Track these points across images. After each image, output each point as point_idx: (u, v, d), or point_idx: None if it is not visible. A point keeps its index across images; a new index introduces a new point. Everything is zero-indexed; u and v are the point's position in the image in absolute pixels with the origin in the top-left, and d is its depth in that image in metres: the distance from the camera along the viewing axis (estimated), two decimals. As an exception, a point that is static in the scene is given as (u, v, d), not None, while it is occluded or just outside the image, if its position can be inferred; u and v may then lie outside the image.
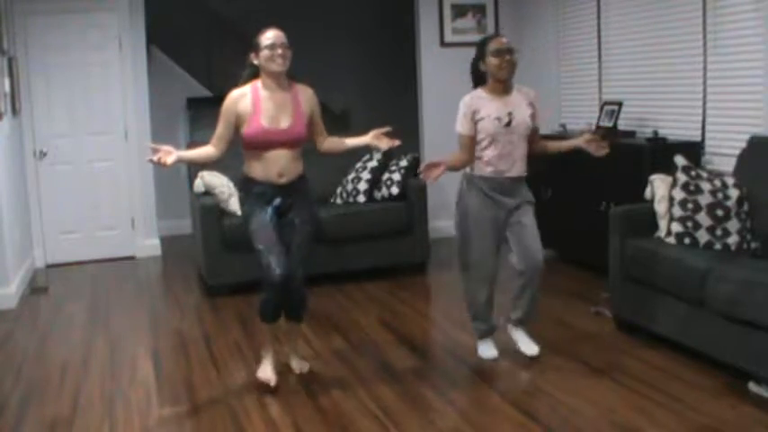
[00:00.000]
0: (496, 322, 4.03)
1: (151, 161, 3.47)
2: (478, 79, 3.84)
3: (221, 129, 3.61)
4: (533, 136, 3.85)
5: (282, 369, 3.90)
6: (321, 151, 3.84)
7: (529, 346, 3.99)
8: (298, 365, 3.95)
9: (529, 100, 3.82)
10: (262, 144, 3.55)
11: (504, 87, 3.77)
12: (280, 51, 3.51)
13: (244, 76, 3.65)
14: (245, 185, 3.68)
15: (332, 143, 3.84)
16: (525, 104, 3.79)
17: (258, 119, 3.53)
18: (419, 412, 3.42)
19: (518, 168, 3.80)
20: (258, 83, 3.60)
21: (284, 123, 3.56)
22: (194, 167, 5.89)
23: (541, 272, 3.85)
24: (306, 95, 3.69)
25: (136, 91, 6.86)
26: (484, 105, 3.75)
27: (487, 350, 4.00)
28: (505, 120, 3.72)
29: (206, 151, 3.67)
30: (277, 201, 3.60)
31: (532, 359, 3.95)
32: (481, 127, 3.74)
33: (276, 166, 3.58)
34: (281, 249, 3.56)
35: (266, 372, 3.73)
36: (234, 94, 3.60)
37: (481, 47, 3.78)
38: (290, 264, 3.62)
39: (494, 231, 3.82)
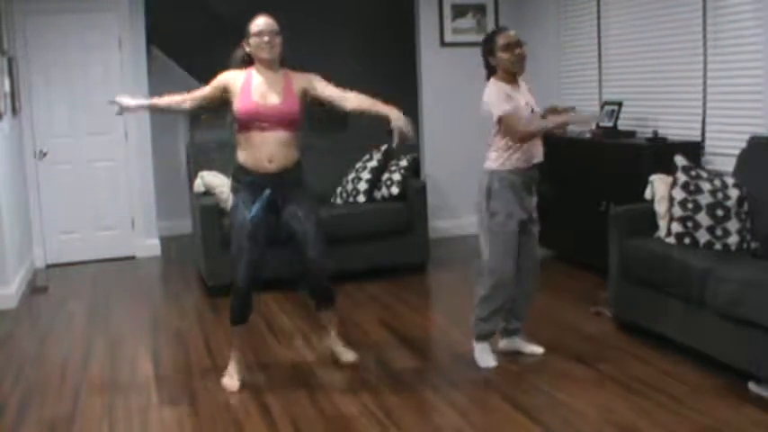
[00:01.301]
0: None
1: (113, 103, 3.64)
2: (491, 71, 3.82)
3: (206, 89, 3.67)
4: None
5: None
6: (348, 110, 3.68)
7: (533, 348, 4.03)
8: (344, 355, 3.98)
9: (529, 87, 3.91)
10: (254, 121, 3.54)
11: (514, 79, 3.79)
12: (266, 39, 3.55)
13: (234, 60, 3.68)
14: (237, 174, 3.68)
15: (360, 100, 3.65)
16: (529, 92, 3.87)
17: (249, 95, 3.56)
18: (419, 412, 3.42)
19: (542, 152, 3.84)
20: (252, 69, 3.66)
21: (274, 100, 3.56)
22: (194, 166, 5.90)
23: (538, 282, 3.97)
24: (298, 76, 3.69)
25: (136, 91, 6.84)
26: (511, 92, 3.72)
27: (486, 359, 3.91)
28: (529, 106, 3.77)
29: (178, 99, 3.71)
30: (266, 193, 3.57)
31: (534, 358, 3.96)
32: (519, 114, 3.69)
33: (266, 150, 3.56)
34: (250, 258, 3.58)
35: (230, 378, 3.75)
36: (230, 71, 3.67)
37: (488, 42, 3.77)
38: (312, 255, 3.68)
39: (517, 231, 3.78)
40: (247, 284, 3.63)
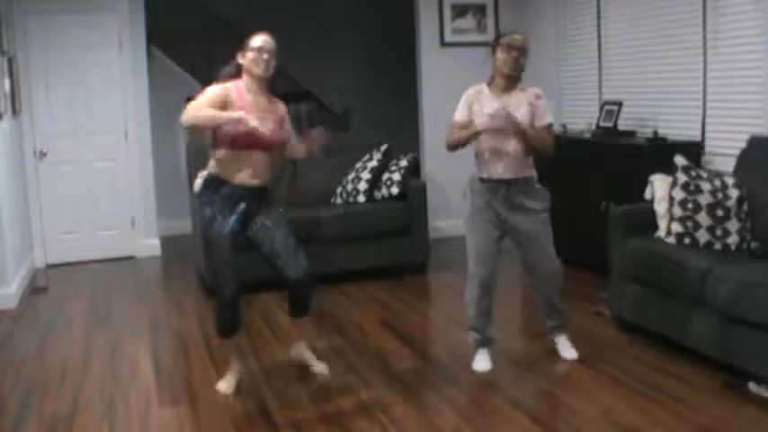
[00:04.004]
0: (492, 335, 3.94)
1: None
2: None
3: (206, 105, 3.48)
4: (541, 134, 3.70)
5: (283, 370, 3.90)
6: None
7: (568, 351, 3.96)
8: (317, 366, 3.93)
9: (529, 100, 3.70)
10: (245, 144, 3.53)
11: (505, 85, 3.71)
12: (265, 56, 3.56)
13: (224, 73, 3.65)
14: (212, 185, 3.61)
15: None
16: (525, 104, 3.68)
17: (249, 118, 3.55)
18: (419, 412, 3.42)
19: (511, 170, 3.70)
20: (240, 82, 3.61)
21: (269, 126, 3.59)
22: (194, 166, 5.89)
23: (556, 278, 3.89)
24: (280, 105, 3.75)
25: (136, 91, 6.86)
26: (482, 101, 3.72)
27: (479, 362, 3.88)
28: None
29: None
30: (242, 206, 3.59)
31: (534, 359, 3.97)
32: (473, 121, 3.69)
33: (251, 168, 3.58)
34: (234, 268, 3.60)
35: (224, 383, 3.73)
36: (220, 85, 3.56)
37: (495, 39, 3.76)
38: (294, 274, 3.68)
39: (488, 237, 3.76)
40: (236, 294, 3.64)
